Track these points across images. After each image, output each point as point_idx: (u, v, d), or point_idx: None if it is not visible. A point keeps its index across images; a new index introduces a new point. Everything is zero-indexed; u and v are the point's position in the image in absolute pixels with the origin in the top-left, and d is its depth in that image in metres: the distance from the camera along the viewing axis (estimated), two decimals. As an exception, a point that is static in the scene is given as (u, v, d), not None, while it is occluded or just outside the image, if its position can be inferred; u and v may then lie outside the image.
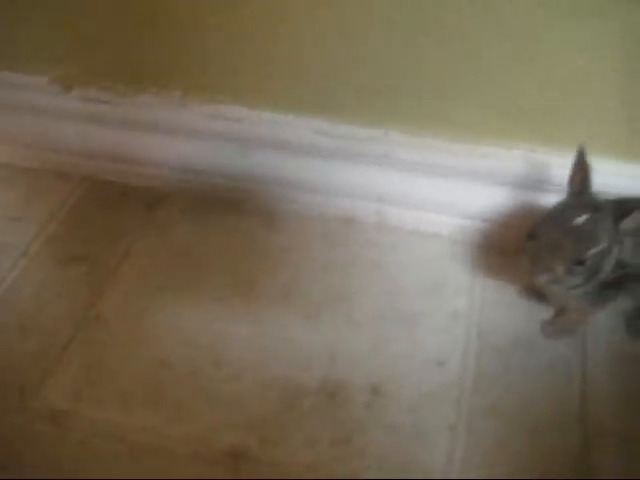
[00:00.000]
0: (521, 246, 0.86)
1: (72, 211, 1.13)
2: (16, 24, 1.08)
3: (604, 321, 0.95)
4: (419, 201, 1.06)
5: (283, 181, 1.10)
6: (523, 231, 0.88)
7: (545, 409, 0.89)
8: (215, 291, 1.02)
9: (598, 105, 0.92)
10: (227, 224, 1.11)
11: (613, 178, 0.93)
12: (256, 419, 0.88)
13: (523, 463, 0.84)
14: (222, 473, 0.84)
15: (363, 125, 1.03)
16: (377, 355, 0.94)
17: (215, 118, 1.08)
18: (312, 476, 0.83)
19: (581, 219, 0.82)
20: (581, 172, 0.85)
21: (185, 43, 1.02)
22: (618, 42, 0.85)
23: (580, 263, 0.82)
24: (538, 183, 0.99)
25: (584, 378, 0.91)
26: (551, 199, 0.92)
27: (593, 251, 0.81)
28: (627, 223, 0.83)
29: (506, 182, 1.01)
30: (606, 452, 0.85)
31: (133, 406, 0.90)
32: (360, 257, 1.06)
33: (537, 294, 0.98)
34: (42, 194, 1.16)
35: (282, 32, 0.97)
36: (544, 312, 0.98)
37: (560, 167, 0.92)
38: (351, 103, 1.01)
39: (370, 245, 1.07)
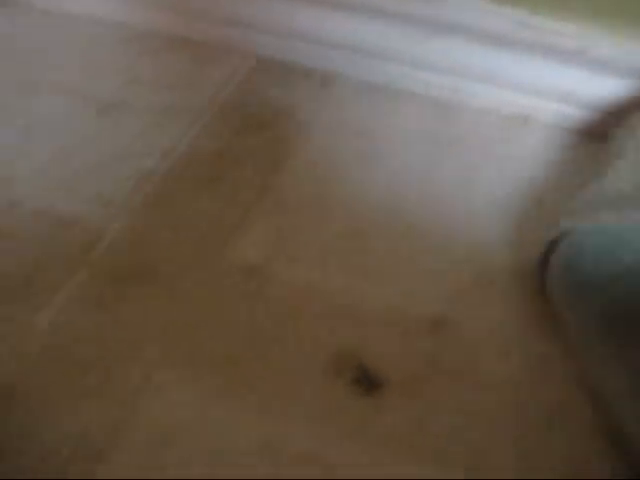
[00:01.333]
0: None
1: (243, 83, 1.11)
2: None
3: None
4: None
5: (465, 72, 1.08)
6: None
7: None
8: (394, 169, 1.00)
9: None
10: (401, 110, 1.09)
11: None
12: (454, 292, 0.87)
13: None
14: (424, 341, 0.83)
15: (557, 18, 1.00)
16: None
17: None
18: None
19: None
20: None
21: None
22: None
23: None
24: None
25: None
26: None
27: None
28: None
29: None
30: None
31: (328, 268, 0.89)
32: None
33: None
34: (210, 65, 1.14)
35: None
36: None
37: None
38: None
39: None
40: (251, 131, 1.04)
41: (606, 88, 1.02)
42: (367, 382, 0.80)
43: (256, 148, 1.02)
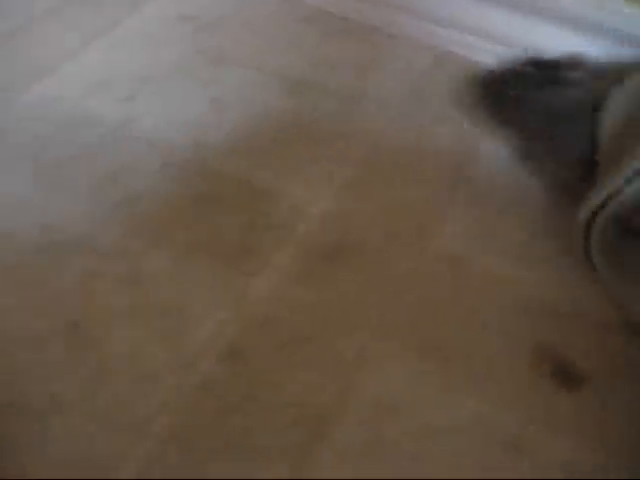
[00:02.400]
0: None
1: (424, 74, 1.15)
2: None
3: None
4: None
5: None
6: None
7: None
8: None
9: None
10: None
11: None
12: None
13: None
14: (617, 337, 0.86)
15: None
16: None
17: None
18: None
19: None
20: None
21: None
22: None
23: None
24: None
25: None
26: None
27: None
28: None
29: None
30: None
31: (522, 262, 0.92)
32: None
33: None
34: (390, 53, 1.18)
35: None
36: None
37: None
38: None
39: None
40: (439, 122, 1.07)
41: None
42: (566, 376, 0.84)
43: (445, 140, 1.06)
